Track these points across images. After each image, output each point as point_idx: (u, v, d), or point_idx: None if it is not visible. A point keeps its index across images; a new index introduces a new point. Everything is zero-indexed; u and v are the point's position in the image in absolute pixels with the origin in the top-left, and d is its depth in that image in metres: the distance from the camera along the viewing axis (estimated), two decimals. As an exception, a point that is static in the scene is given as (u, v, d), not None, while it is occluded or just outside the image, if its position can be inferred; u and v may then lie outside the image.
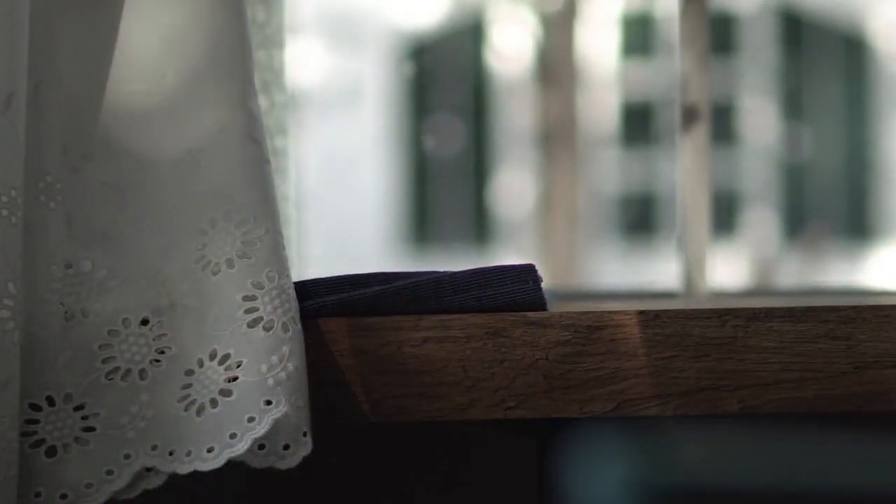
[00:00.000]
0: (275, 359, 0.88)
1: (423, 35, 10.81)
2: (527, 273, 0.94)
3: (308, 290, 0.95)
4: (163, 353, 0.90)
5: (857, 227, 10.52)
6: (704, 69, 1.40)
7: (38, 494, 0.89)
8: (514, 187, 10.53)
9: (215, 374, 0.89)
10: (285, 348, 0.89)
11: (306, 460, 1.02)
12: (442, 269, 0.96)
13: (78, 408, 0.90)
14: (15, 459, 0.86)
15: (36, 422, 0.89)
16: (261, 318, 0.89)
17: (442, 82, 10.81)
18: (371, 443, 1.05)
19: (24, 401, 0.89)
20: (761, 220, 10.40)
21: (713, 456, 1.02)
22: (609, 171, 10.54)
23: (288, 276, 0.91)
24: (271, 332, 0.89)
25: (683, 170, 1.41)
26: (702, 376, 0.92)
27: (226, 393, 0.89)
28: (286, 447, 0.91)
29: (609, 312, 0.92)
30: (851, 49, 10.56)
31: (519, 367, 0.92)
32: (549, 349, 0.92)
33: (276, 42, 1.11)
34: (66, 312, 0.90)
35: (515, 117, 10.59)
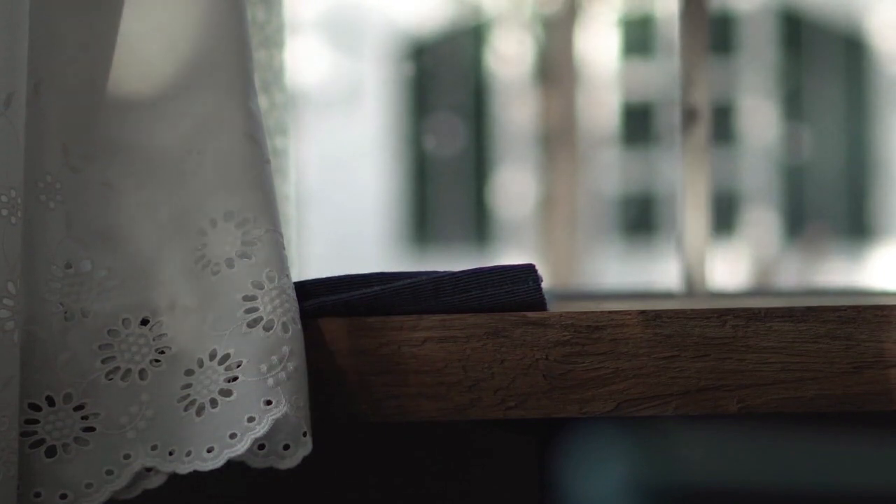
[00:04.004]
0: (275, 359, 0.88)
1: (423, 35, 10.82)
2: (527, 273, 0.94)
3: (308, 290, 0.95)
4: (163, 353, 0.91)
5: (857, 227, 10.52)
6: (704, 69, 1.40)
7: (37, 494, 0.89)
8: (514, 187, 10.54)
9: (215, 374, 0.89)
10: (285, 348, 0.89)
11: (306, 460, 1.02)
12: (442, 269, 0.96)
13: (78, 408, 0.90)
14: (15, 459, 0.86)
15: (36, 422, 0.89)
16: (261, 318, 0.89)
17: (442, 82, 10.82)
18: (371, 443, 1.05)
19: (23, 401, 0.89)
20: (761, 220, 10.40)
21: (713, 456, 1.02)
22: (609, 171, 10.54)
23: (288, 276, 0.91)
24: (271, 332, 0.89)
25: (683, 170, 1.41)
26: (702, 376, 0.92)
27: (226, 393, 0.89)
28: (286, 447, 0.91)
29: (609, 312, 0.92)
30: (851, 49, 10.56)
31: (519, 367, 0.92)
32: (549, 349, 0.92)
33: (276, 42, 1.11)
34: (65, 312, 0.90)
35: (515, 117, 10.59)
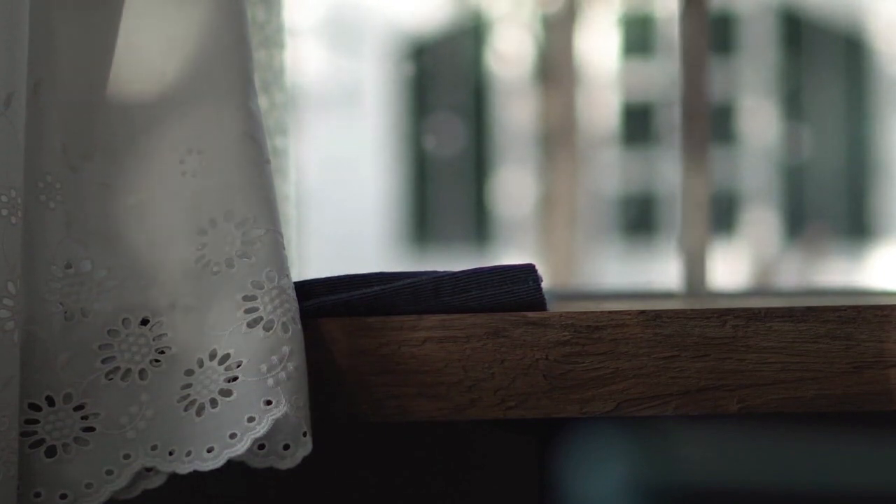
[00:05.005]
0: (275, 359, 0.88)
1: (423, 35, 10.82)
2: (527, 273, 0.94)
3: (308, 290, 0.95)
4: (163, 353, 0.90)
5: (857, 227, 10.52)
6: (704, 69, 1.40)
7: (37, 494, 0.89)
8: (514, 187, 10.54)
9: (215, 374, 0.89)
10: (285, 348, 0.89)
11: (306, 460, 1.02)
12: (442, 269, 0.96)
13: (78, 408, 0.90)
14: (15, 459, 0.86)
15: (36, 422, 0.89)
16: (261, 318, 0.89)
17: (442, 82, 10.82)
18: (371, 443, 1.05)
19: (23, 401, 0.89)
20: (761, 220, 10.40)
21: (713, 456, 1.02)
22: (609, 171, 10.54)
23: (288, 276, 0.91)
24: (271, 332, 0.89)
25: (683, 170, 1.41)
26: (702, 376, 0.92)
27: (226, 393, 0.89)
28: (286, 447, 0.91)
29: (609, 312, 0.92)
30: (851, 49, 10.56)
31: (519, 367, 0.92)
32: (549, 349, 0.92)
33: (276, 42, 1.11)
34: (65, 312, 0.90)
35: (515, 117, 10.59)
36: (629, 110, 10.67)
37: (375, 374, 0.92)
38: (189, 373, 0.90)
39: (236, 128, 0.91)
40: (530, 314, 0.92)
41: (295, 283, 0.94)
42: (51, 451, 0.89)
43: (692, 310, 0.92)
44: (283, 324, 0.89)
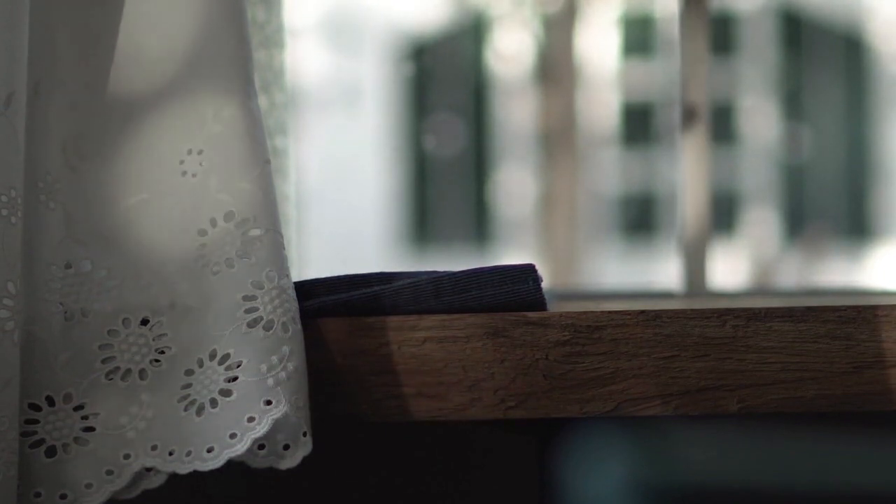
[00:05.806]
0: (275, 359, 0.88)
1: (423, 35, 10.82)
2: (527, 273, 0.94)
3: (308, 290, 0.95)
4: (163, 353, 0.90)
5: (857, 227, 10.53)
6: (704, 69, 1.40)
7: (37, 494, 0.89)
8: (514, 187, 10.54)
9: (215, 374, 0.89)
10: (285, 348, 0.89)
11: (306, 460, 1.02)
12: (442, 269, 0.96)
13: (78, 408, 0.90)
14: (15, 459, 0.86)
15: (35, 422, 0.89)
16: (261, 318, 0.89)
17: (442, 82, 10.82)
18: (371, 443, 1.05)
19: (23, 401, 0.89)
20: (761, 220, 10.41)
21: (713, 456, 1.02)
22: (609, 171, 10.54)
23: (288, 276, 0.91)
24: (271, 332, 0.89)
25: (683, 170, 1.41)
26: (702, 376, 0.92)
27: (226, 393, 0.89)
28: (286, 447, 0.91)
29: (609, 312, 0.92)
30: (851, 49, 10.56)
31: (519, 367, 0.92)
32: (549, 349, 0.92)
33: (276, 42, 1.11)
34: (65, 312, 0.90)
35: (515, 117, 10.59)
36: (629, 110, 10.68)
37: (375, 373, 0.92)
38: (189, 373, 0.90)
39: (236, 127, 0.91)
40: (530, 314, 0.92)
41: (295, 283, 0.94)
42: (51, 451, 0.89)
43: (692, 310, 0.92)
44: (283, 324, 0.89)
